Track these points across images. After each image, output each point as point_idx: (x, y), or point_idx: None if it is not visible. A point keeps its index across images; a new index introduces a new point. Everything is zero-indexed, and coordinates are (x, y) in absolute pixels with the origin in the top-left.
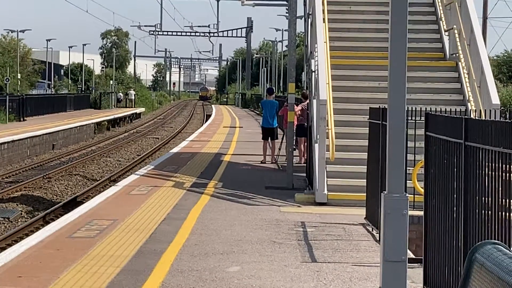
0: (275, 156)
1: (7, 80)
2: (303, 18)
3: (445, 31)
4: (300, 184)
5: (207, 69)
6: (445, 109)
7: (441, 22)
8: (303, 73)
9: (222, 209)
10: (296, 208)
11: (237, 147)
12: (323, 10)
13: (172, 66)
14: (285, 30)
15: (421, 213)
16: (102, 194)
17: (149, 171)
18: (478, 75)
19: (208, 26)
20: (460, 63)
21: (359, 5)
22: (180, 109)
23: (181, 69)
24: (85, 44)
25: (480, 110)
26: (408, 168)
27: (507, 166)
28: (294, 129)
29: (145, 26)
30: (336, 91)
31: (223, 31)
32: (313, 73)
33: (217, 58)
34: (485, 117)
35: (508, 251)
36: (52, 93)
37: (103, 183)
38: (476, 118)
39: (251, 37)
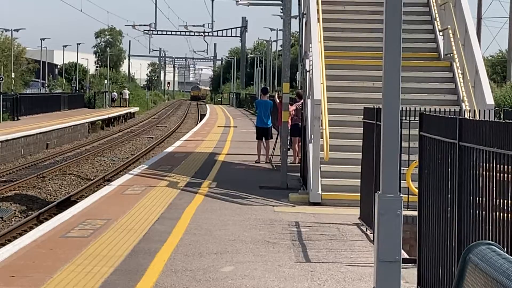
0: (270, 156)
1: (1, 79)
2: (297, 18)
3: (439, 31)
4: (294, 184)
5: (201, 69)
6: (440, 109)
7: (435, 22)
8: (297, 72)
9: (216, 209)
10: (290, 208)
11: (231, 146)
12: (318, 10)
13: (167, 65)
14: (279, 30)
15: (415, 213)
16: (96, 193)
17: (143, 170)
18: (473, 75)
19: (203, 26)
20: (454, 63)
21: (354, 5)
22: (174, 108)
23: (176, 68)
24: (79, 43)
25: (475, 110)
26: (402, 168)
27: (501, 166)
28: (289, 128)
29: (139, 25)
30: (330, 91)
31: (217, 31)
32: (308, 73)
33: (212, 58)
34: (479, 117)
35: (502, 251)
36: (46, 92)
37: (97, 182)
38: (470, 118)
39: (245, 37)
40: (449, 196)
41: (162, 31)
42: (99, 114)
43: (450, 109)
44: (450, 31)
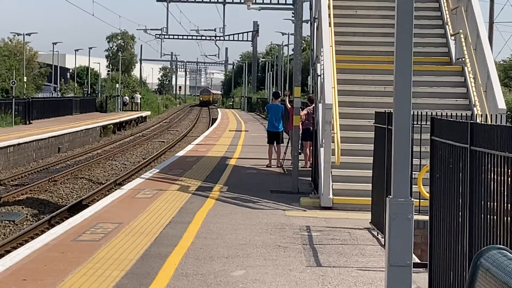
0: (281, 160)
1: (13, 83)
2: (309, 22)
3: (451, 35)
4: (305, 188)
5: (213, 73)
6: (451, 113)
7: (447, 26)
8: (309, 77)
9: (227, 213)
10: (301, 212)
11: (242, 151)
12: (329, 14)
13: (178, 69)
14: (291, 34)
15: (427, 217)
16: (107, 197)
17: (154, 174)
18: (484, 79)
19: (214, 30)
20: (466, 67)
21: (365, 10)
22: (186, 112)
23: (187, 72)
24: (91, 48)
25: (486, 115)
26: (413, 172)
27: None
28: (300, 133)
29: (151, 29)
30: (341, 95)
31: (229, 35)
32: (319, 77)
33: (223, 62)
34: (491, 122)
35: None
36: (58, 96)
37: (108, 186)
38: (482, 123)
39: (257, 41)
40: (460, 200)
41: (173, 35)
42: (111, 118)
43: (461, 114)
44: (461, 36)
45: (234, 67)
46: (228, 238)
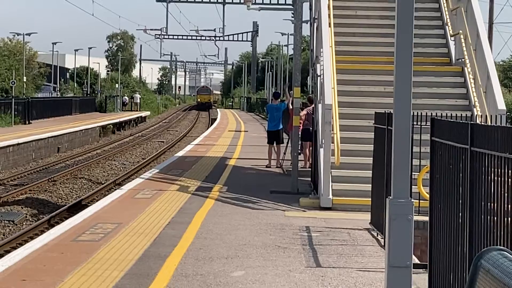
0: (280, 161)
1: (12, 83)
2: (308, 23)
3: (451, 36)
4: (305, 189)
5: (212, 73)
6: (451, 114)
7: (447, 27)
8: (308, 77)
9: (226, 213)
10: (301, 213)
11: (242, 151)
12: (329, 15)
13: (178, 69)
14: (290, 35)
15: (427, 218)
16: (107, 197)
17: (154, 174)
18: (484, 80)
19: (214, 30)
20: (466, 68)
21: (365, 10)
22: (185, 112)
23: (187, 73)
24: (90, 48)
25: (486, 115)
26: (413, 173)
27: None
28: (300, 133)
29: (150, 29)
30: (341, 96)
31: (228, 35)
32: (319, 78)
33: (223, 62)
34: (491, 123)
35: None
36: (58, 96)
37: (108, 186)
38: (482, 123)
39: (256, 41)
40: (460, 201)
41: (173, 35)
42: (110, 118)
43: (461, 114)
44: (461, 36)
45: (234, 67)
46: (227, 239)
